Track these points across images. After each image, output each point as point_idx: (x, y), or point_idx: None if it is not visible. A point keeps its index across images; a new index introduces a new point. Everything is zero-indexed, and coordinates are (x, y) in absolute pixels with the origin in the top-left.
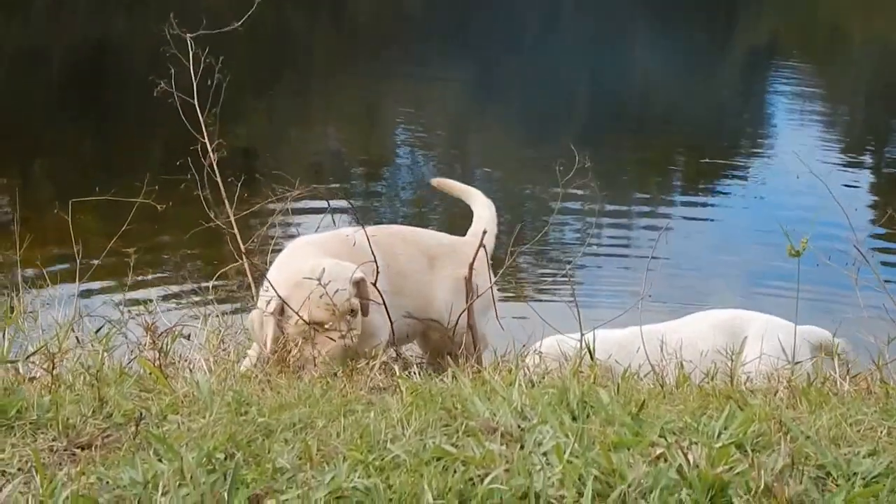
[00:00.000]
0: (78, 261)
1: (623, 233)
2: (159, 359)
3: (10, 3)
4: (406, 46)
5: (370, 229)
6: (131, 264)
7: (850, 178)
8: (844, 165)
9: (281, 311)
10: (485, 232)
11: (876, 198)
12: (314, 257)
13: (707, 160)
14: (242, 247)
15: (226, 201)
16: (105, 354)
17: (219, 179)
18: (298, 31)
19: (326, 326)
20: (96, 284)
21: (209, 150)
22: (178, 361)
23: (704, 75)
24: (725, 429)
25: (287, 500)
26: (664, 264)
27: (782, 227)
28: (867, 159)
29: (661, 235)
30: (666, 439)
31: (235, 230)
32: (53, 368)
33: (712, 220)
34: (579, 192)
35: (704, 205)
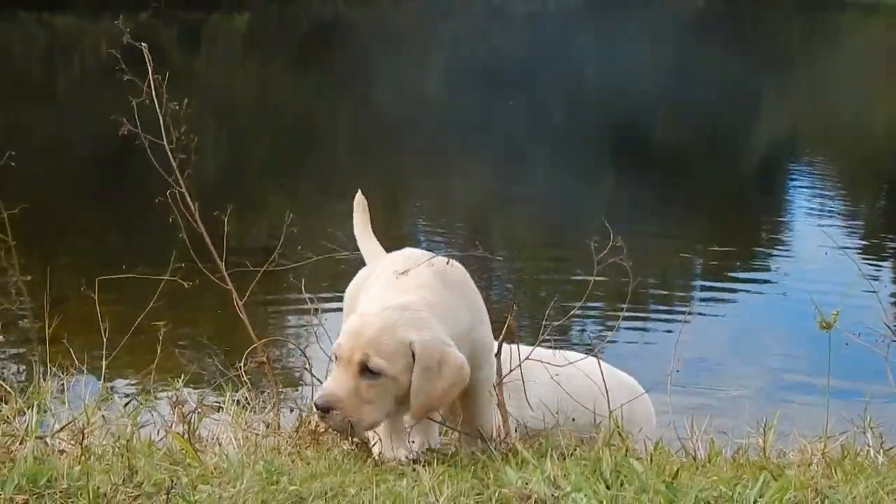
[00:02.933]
0: (105, 338)
1: (648, 306)
2: (188, 433)
3: (37, 92)
4: (429, 132)
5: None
6: (160, 337)
7: (873, 263)
8: (864, 252)
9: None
10: (512, 310)
11: None
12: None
13: (720, 247)
14: (254, 336)
15: (235, 296)
16: (134, 428)
17: (225, 271)
18: (322, 116)
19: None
20: (122, 360)
21: (215, 254)
22: (207, 437)
23: (726, 165)
24: (761, 496)
25: None
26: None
27: (813, 300)
28: (889, 245)
29: (681, 326)
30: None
31: (245, 320)
32: (83, 440)
33: (735, 303)
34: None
35: (726, 290)
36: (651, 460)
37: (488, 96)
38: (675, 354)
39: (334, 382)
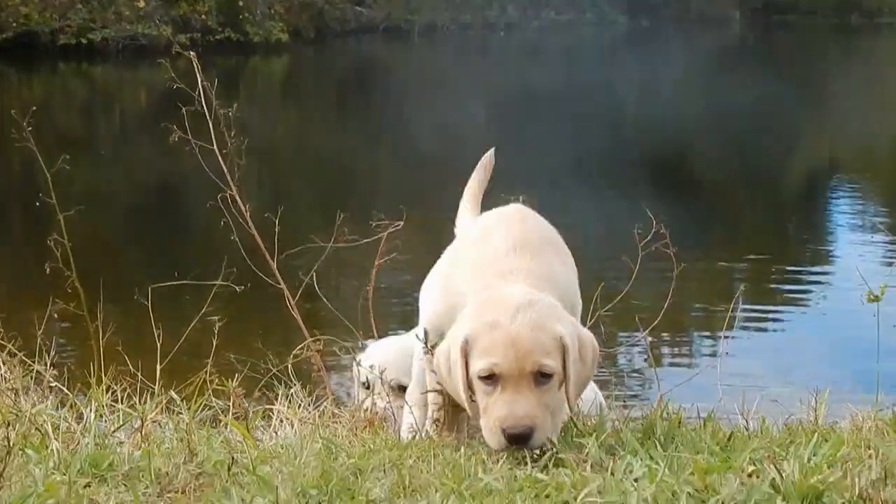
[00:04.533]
0: (158, 343)
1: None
2: (246, 420)
3: (76, 146)
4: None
5: None
6: (215, 331)
7: None
8: None
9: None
10: None
11: None
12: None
13: (761, 265)
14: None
15: (287, 294)
16: (191, 420)
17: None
18: (361, 163)
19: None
20: (178, 363)
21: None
22: (263, 426)
23: (767, 186)
24: (815, 455)
25: None
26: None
27: (860, 273)
28: None
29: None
30: (756, 465)
31: (297, 316)
32: (143, 426)
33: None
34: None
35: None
36: (704, 425)
37: (530, 130)
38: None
39: (517, 404)
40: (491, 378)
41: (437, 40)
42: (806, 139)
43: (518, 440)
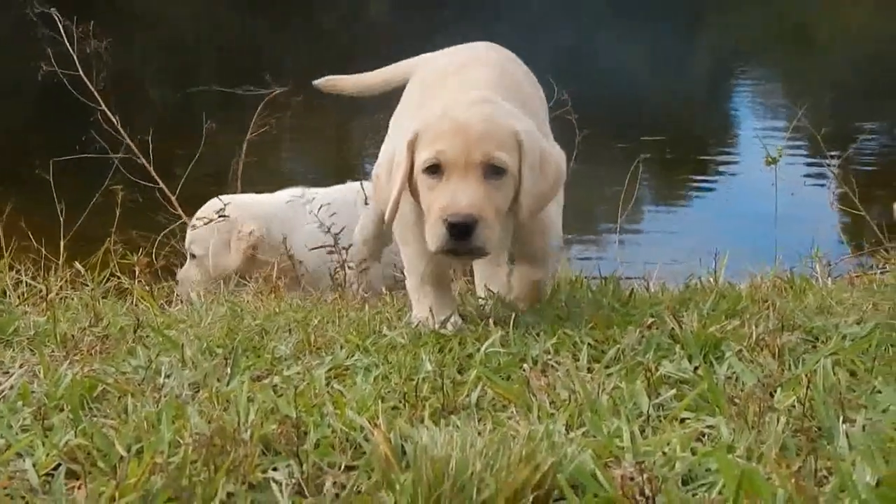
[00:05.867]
0: (62, 218)
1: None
2: (151, 290)
3: None
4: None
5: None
6: (118, 201)
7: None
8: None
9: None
10: None
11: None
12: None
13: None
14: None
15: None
16: (96, 288)
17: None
18: (266, 41)
19: (454, 173)
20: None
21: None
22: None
23: (674, 76)
24: (714, 310)
25: (289, 375)
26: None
27: (761, 142)
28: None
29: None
30: (656, 318)
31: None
32: (48, 294)
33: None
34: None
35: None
36: (605, 283)
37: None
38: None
39: (461, 193)
40: (436, 170)
41: None
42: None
43: (460, 231)
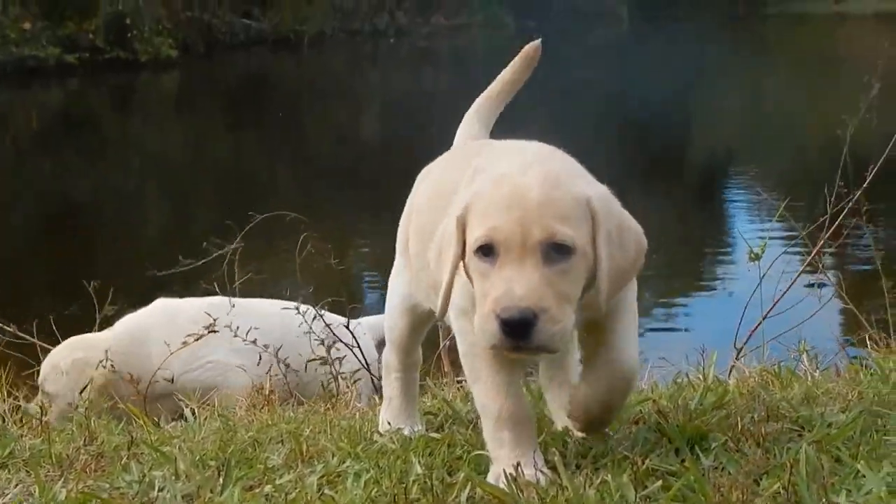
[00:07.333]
0: None
1: None
2: (145, 408)
3: None
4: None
5: None
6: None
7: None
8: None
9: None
10: None
11: None
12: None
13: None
14: None
15: None
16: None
17: None
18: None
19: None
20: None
21: None
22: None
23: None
24: (701, 404)
25: (281, 483)
26: None
27: (742, 236)
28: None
29: None
30: (640, 409)
31: None
32: (44, 415)
33: None
34: None
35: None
36: None
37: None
38: None
39: (517, 282)
40: (489, 252)
41: (327, 50)
42: (701, 124)
43: (515, 329)
